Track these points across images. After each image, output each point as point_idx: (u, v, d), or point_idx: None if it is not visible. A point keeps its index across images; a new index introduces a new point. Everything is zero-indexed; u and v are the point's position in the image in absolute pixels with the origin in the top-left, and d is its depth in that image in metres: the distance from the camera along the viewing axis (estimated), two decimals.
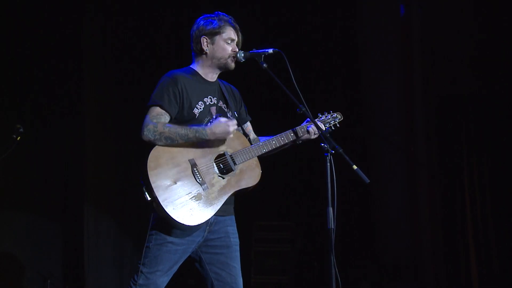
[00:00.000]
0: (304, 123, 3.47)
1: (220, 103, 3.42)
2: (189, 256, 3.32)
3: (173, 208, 3.10)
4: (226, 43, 3.38)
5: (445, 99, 6.60)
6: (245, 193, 3.32)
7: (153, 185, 3.09)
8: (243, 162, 3.29)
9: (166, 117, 3.24)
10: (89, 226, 6.20)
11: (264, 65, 3.31)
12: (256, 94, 6.58)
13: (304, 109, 3.20)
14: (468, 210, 6.41)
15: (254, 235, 6.54)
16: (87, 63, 6.36)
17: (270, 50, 3.32)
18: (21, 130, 4.57)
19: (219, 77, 3.50)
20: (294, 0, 6.86)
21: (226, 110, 3.43)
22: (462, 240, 6.41)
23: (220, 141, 3.28)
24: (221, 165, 3.26)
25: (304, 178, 6.88)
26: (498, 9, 6.30)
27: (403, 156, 6.57)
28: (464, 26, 6.50)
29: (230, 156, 3.28)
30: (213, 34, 3.37)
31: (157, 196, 3.08)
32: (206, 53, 3.40)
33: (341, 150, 3.05)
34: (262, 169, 3.36)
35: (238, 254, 3.38)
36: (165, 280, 3.26)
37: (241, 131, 3.50)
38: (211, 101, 3.38)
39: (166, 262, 3.22)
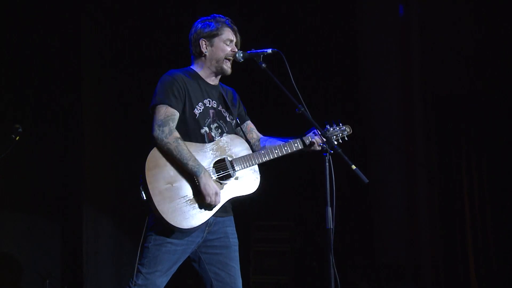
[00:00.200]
0: (308, 133, 3.41)
1: (220, 107, 3.41)
2: (188, 257, 3.32)
3: (167, 210, 3.09)
4: (225, 44, 3.38)
5: (444, 99, 6.61)
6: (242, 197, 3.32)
7: (149, 186, 3.08)
8: (243, 169, 3.29)
9: (177, 116, 3.23)
10: (88, 226, 6.20)
11: (263, 65, 3.31)
12: (255, 94, 6.58)
13: (303, 109, 3.19)
14: (467, 210, 6.42)
15: (253, 235, 6.54)
16: (86, 64, 6.36)
17: (269, 50, 3.32)
18: (20, 130, 4.56)
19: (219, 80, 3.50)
20: (293, 0, 6.86)
21: (225, 114, 3.42)
22: (461, 240, 6.41)
23: (222, 145, 3.29)
24: (220, 170, 3.26)
25: (303, 178, 6.88)
26: (497, 9, 6.30)
27: (402, 156, 6.58)
28: (463, 26, 6.51)
29: (230, 161, 3.28)
30: (211, 36, 3.37)
31: (152, 197, 3.08)
32: (205, 56, 3.39)
33: (340, 150, 3.05)
34: (261, 169, 3.36)
35: (237, 254, 3.38)
36: (164, 280, 3.25)
37: (241, 132, 3.50)
38: (210, 104, 3.38)
39: (165, 262, 3.21)
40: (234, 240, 3.37)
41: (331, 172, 3.04)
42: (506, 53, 6.26)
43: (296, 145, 3.40)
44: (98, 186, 6.30)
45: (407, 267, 6.42)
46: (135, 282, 3.20)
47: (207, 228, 3.27)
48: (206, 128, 3.32)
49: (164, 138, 3.14)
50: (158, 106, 3.23)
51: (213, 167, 3.24)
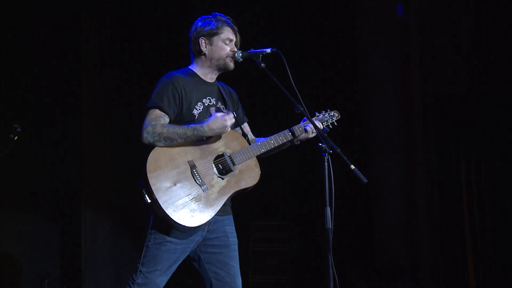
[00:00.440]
0: (302, 122, 3.46)
1: (219, 104, 3.42)
2: (188, 256, 3.32)
3: (174, 210, 3.10)
4: (225, 43, 3.38)
5: (443, 99, 6.61)
6: (243, 193, 3.32)
7: (153, 188, 3.08)
8: (242, 162, 3.29)
9: (165, 119, 3.23)
10: (87, 226, 6.20)
11: (262, 64, 3.31)
12: (254, 95, 6.58)
13: (302, 108, 3.20)
14: (466, 210, 6.42)
15: (251, 235, 6.54)
16: (85, 64, 6.36)
17: (268, 50, 3.32)
18: (19, 129, 4.56)
19: (218, 78, 3.50)
20: (292, 0, 6.86)
21: (224, 111, 3.43)
22: (460, 240, 6.42)
23: (219, 141, 3.29)
24: (220, 166, 3.26)
25: (302, 178, 6.88)
26: (497, 9, 6.30)
27: (401, 156, 6.58)
28: (462, 26, 6.51)
29: (229, 156, 3.28)
30: (211, 35, 3.37)
31: (157, 199, 3.08)
32: (205, 54, 3.39)
33: (339, 150, 3.05)
34: (260, 169, 3.36)
35: (236, 253, 3.38)
36: (164, 279, 3.25)
37: (240, 132, 3.50)
38: (210, 102, 3.38)
39: (165, 261, 3.22)
40: (233, 239, 3.37)
41: (330, 172, 3.05)
42: (505, 53, 6.27)
43: (289, 134, 3.42)
44: (97, 186, 6.30)
45: (406, 267, 6.42)
46: (135, 281, 3.20)
47: (207, 227, 3.27)
48: None
49: (153, 135, 3.15)
50: (150, 109, 3.25)
51: (213, 163, 3.25)
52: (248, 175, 3.30)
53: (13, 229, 5.95)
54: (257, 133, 3.62)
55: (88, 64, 6.38)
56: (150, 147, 3.17)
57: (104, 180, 6.34)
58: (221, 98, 3.45)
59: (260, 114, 6.39)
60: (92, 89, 6.40)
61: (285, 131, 3.43)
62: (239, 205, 3.44)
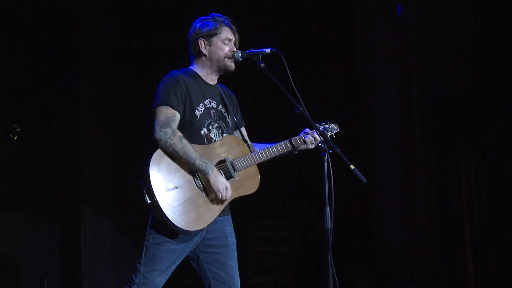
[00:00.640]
0: (302, 133, 3.47)
1: (220, 107, 3.42)
2: (187, 256, 3.32)
3: (173, 213, 3.10)
4: (224, 44, 3.38)
5: (443, 99, 6.61)
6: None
7: (154, 188, 3.08)
8: (243, 169, 3.30)
9: (178, 117, 3.23)
10: (86, 226, 6.20)
11: (262, 65, 3.30)
12: (252, 95, 6.58)
13: (301, 109, 3.20)
14: (465, 210, 6.42)
15: (251, 234, 6.55)
16: (84, 64, 6.36)
17: (268, 50, 3.32)
18: (18, 129, 4.56)
19: (218, 79, 3.50)
20: (291, 0, 6.86)
21: (225, 114, 3.43)
22: (459, 240, 6.41)
23: (222, 147, 3.30)
24: (221, 171, 3.26)
25: (301, 178, 6.88)
26: (497, 8, 6.30)
27: (401, 156, 6.58)
28: (462, 25, 6.50)
29: (230, 163, 3.29)
30: (210, 36, 3.37)
31: (158, 200, 3.08)
32: (205, 55, 3.40)
33: (338, 150, 3.05)
34: (259, 169, 3.37)
35: (235, 254, 3.39)
36: (163, 279, 3.26)
37: (239, 135, 3.50)
38: (211, 104, 3.38)
39: (164, 261, 3.22)
40: (232, 240, 3.38)
41: (330, 172, 3.05)
42: (505, 53, 6.26)
43: (289, 145, 3.43)
44: (97, 186, 6.29)
45: (405, 267, 6.42)
46: (134, 281, 3.21)
47: (206, 227, 3.27)
48: (205, 129, 3.33)
49: (168, 140, 3.14)
50: (160, 107, 3.22)
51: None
52: (248, 182, 3.32)
53: (12, 229, 5.95)
54: (257, 133, 3.62)
55: (88, 64, 6.38)
56: (153, 146, 3.17)
57: (104, 180, 6.34)
58: (222, 101, 3.45)
59: (259, 117, 6.40)
60: (92, 89, 6.39)
61: (286, 141, 3.43)
62: (238, 205, 3.44)
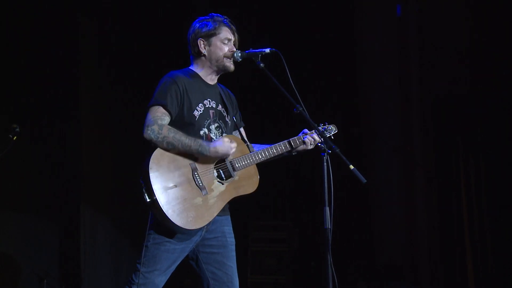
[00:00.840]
0: (301, 134, 3.48)
1: (219, 107, 3.42)
2: (187, 255, 3.32)
3: (173, 212, 3.10)
4: (223, 44, 3.38)
5: (442, 99, 6.61)
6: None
7: (153, 187, 3.08)
8: (242, 169, 3.30)
9: (167, 118, 3.23)
10: (86, 226, 6.20)
11: (261, 64, 3.31)
12: (252, 97, 6.58)
13: (301, 109, 3.20)
14: (465, 210, 6.42)
15: (250, 234, 6.54)
16: (84, 64, 6.35)
17: (267, 50, 3.32)
18: (18, 129, 4.56)
19: (218, 80, 3.50)
20: (291, 0, 6.86)
21: (224, 114, 3.44)
22: (459, 240, 6.42)
23: None
24: (221, 170, 3.27)
25: (301, 178, 6.88)
26: (496, 9, 6.30)
27: (401, 156, 6.58)
28: (461, 26, 6.51)
29: (230, 162, 3.29)
30: (209, 36, 3.37)
31: (157, 199, 3.07)
32: (204, 55, 3.40)
33: (338, 150, 3.05)
34: (259, 169, 3.37)
35: (234, 254, 3.39)
36: (163, 279, 3.26)
37: (238, 135, 3.50)
38: (210, 104, 3.38)
39: (164, 261, 3.22)
40: (231, 240, 3.38)
41: (329, 172, 3.05)
42: (504, 53, 6.26)
43: (288, 145, 3.44)
44: (96, 186, 6.29)
45: (405, 267, 6.43)
46: (134, 281, 3.21)
47: (206, 226, 3.28)
48: (205, 129, 3.33)
49: (158, 135, 3.14)
50: (152, 107, 3.24)
51: (214, 167, 3.25)
52: (247, 182, 3.32)
53: (12, 229, 5.94)
54: (256, 134, 3.62)
55: (88, 64, 6.37)
56: (151, 145, 3.17)
57: (103, 180, 6.33)
58: (221, 101, 3.45)
59: (258, 117, 6.40)
60: (92, 89, 6.39)
61: (285, 141, 3.44)
62: (238, 205, 3.45)
